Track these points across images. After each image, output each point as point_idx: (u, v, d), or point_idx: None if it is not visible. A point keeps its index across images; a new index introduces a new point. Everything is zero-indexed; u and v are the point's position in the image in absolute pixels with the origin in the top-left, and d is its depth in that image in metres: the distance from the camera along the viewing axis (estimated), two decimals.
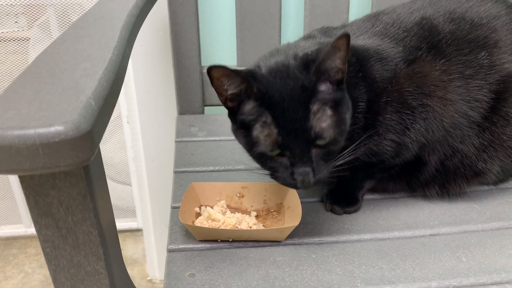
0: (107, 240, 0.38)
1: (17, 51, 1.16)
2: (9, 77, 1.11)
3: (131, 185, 1.23)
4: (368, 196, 0.63)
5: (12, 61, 1.13)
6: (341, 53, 0.46)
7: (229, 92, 0.49)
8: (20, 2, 1.04)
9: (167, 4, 0.80)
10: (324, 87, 0.48)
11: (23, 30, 1.16)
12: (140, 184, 1.13)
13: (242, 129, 0.50)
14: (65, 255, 0.37)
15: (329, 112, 0.47)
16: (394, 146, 0.56)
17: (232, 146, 0.72)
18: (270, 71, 0.49)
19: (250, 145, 0.50)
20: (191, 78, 0.83)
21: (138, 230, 1.30)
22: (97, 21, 0.51)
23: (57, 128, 0.28)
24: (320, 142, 0.47)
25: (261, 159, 0.50)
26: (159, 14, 0.83)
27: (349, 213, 0.60)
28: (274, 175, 0.51)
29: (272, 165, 0.50)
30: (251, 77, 0.48)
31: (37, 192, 0.34)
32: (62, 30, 1.08)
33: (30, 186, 0.33)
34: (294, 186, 0.49)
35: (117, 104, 1.17)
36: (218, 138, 0.78)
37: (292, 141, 0.47)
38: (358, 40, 0.59)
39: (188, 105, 0.85)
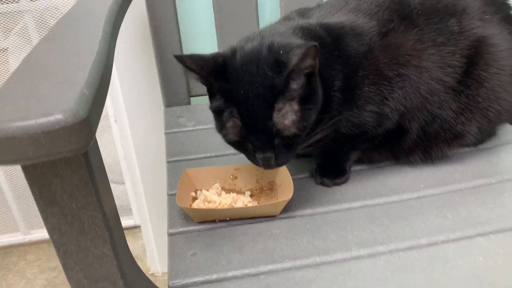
0: (111, 224, 0.40)
1: None
2: None
3: (124, 184, 1.25)
4: (355, 168, 0.66)
5: None
6: (310, 61, 0.49)
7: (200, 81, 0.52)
8: None
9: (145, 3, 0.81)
10: (293, 85, 0.50)
11: None
12: (134, 181, 1.14)
13: (215, 113, 0.53)
14: (72, 240, 0.38)
15: (294, 108, 0.50)
16: (374, 117, 0.59)
17: None
18: (242, 62, 0.51)
19: (219, 129, 0.54)
20: (174, 70, 0.85)
21: (136, 227, 1.32)
22: (79, 19, 0.53)
23: (56, 116, 0.30)
24: (282, 136, 0.50)
25: (230, 143, 0.54)
26: (137, 10, 0.85)
27: (339, 184, 0.62)
28: (245, 155, 0.55)
29: (240, 149, 0.54)
30: (213, 77, 0.51)
31: (40, 182, 0.35)
32: (41, 35, 1.09)
33: (33, 177, 0.35)
34: (260, 166, 0.53)
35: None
36: (207, 127, 0.80)
37: (255, 134, 0.50)
38: (333, 18, 0.61)
39: (174, 97, 0.87)
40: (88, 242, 0.39)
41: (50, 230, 0.38)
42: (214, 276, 0.49)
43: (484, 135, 0.67)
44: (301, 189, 0.62)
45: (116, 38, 0.51)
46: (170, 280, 0.48)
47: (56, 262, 1.27)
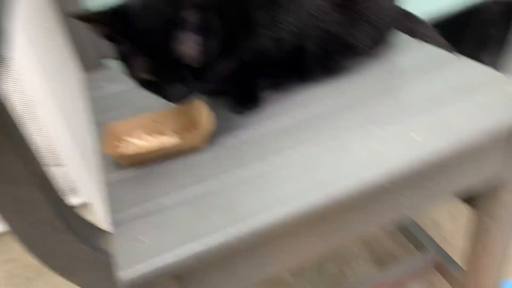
0: (37, 170, 0.43)
1: None
2: None
3: (63, 165, 1.25)
4: (266, 94, 0.72)
5: None
6: None
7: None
8: None
9: None
10: (190, 18, 0.54)
11: None
12: (72, 160, 1.16)
13: (122, 59, 0.57)
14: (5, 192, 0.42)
15: (195, 38, 0.55)
16: (272, 42, 0.64)
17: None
18: (142, 6, 0.55)
19: (130, 74, 0.58)
20: (83, 34, 0.86)
21: (86, 204, 1.34)
22: None
23: None
24: (188, 67, 0.55)
25: (142, 84, 0.59)
26: None
27: (252, 109, 0.68)
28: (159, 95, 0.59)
29: (153, 88, 0.59)
30: (114, 22, 0.54)
31: None
32: None
33: None
34: (170, 101, 0.58)
35: (23, 92, 1.16)
36: (127, 86, 0.82)
37: (163, 69, 0.55)
38: None
39: (88, 63, 0.88)
40: (20, 192, 0.42)
41: None
42: (149, 204, 0.53)
43: (374, 43, 0.75)
44: (220, 122, 0.67)
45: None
46: (112, 215, 0.52)
47: (12, 254, 1.28)
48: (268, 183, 0.54)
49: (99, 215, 1.24)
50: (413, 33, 0.83)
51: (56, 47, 0.96)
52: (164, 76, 0.56)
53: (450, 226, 1.25)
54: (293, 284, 1.17)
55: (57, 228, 0.45)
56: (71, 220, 0.47)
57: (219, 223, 0.49)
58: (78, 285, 0.51)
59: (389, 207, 0.59)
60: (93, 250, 0.49)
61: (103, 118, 0.74)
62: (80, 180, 1.27)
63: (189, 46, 0.54)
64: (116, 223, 0.51)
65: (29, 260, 1.28)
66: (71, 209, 0.48)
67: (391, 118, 0.62)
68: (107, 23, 0.54)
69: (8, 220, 0.43)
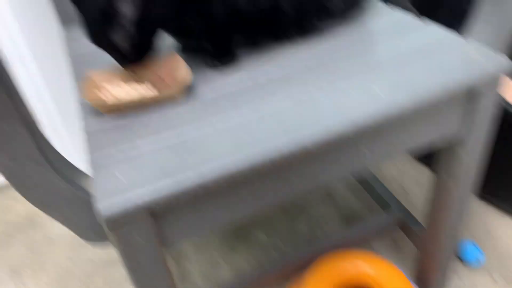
0: (19, 106, 0.45)
1: None
2: None
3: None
4: (243, 51, 0.75)
5: None
6: None
7: None
8: None
9: None
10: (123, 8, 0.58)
11: None
12: (49, 118, 1.17)
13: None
14: None
15: (126, 26, 0.59)
16: (247, 0, 0.67)
17: None
18: None
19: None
20: None
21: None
22: None
23: None
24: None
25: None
26: None
27: (227, 64, 0.71)
28: None
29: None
30: None
31: None
32: None
33: None
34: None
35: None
36: None
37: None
38: None
39: (67, 16, 0.89)
40: (4, 126, 0.45)
41: None
42: (126, 145, 0.57)
43: (348, 7, 0.78)
44: (197, 77, 0.70)
45: None
46: (90, 155, 0.55)
47: None
48: (241, 132, 0.57)
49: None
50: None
51: (35, 2, 0.97)
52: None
53: (416, 191, 1.31)
54: (266, 241, 1.22)
55: (38, 162, 0.48)
56: (52, 157, 0.50)
57: (192, 163, 0.52)
58: (57, 219, 0.54)
59: (352, 158, 0.64)
60: (72, 187, 0.52)
61: (83, 71, 0.76)
62: (55, 140, 1.29)
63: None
64: (94, 162, 0.54)
65: (8, 217, 1.30)
66: (52, 147, 0.51)
67: (358, 75, 0.66)
68: None
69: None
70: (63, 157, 0.54)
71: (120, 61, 0.64)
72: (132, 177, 0.51)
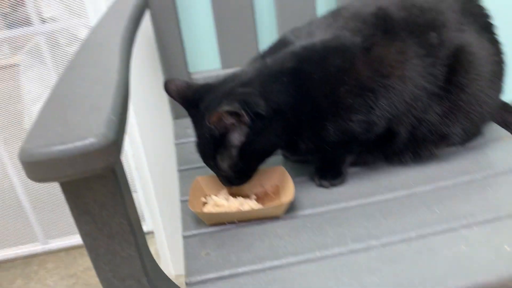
0: (135, 229, 0.46)
1: (3, 78, 1.26)
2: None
3: (137, 192, 1.31)
4: (351, 169, 0.72)
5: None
6: (226, 121, 0.59)
7: None
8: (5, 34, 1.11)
9: (150, 21, 0.88)
10: (230, 137, 0.61)
11: (6, 57, 1.24)
12: (146, 189, 1.21)
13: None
14: (102, 244, 0.44)
15: (232, 154, 0.62)
16: (362, 125, 0.64)
17: None
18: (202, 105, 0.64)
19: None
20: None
21: (149, 233, 1.38)
22: (96, 48, 0.59)
23: (90, 140, 0.36)
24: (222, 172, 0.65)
25: None
26: (144, 32, 0.91)
27: (336, 185, 0.68)
28: None
29: None
30: (185, 106, 0.68)
31: (75, 195, 0.41)
32: (52, 54, 1.16)
33: (69, 191, 0.41)
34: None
35: None
36: None
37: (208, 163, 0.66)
38: (320, 36, 0.66)
39: (182, 110, 0.93)
40: (116, 246, 0.45)
41: (83, 236, 0.44)
42: (226, 273, 0.55)
43: (469, 135, 0.73)
44: (301, 190, 0.68)
45: (130, 63, 0.58)
46: (187, 278, 0.54)
47: (74, 269, 1.33)
48: (348, 272, 0.53)
49: (159, 245, 1.27)
50: (508, 127, 0.80)
51: (150, 92, 1.04)
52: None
53: None
54: None
55: (142, 285, 0.47)
56: (153, 276, 0.49)
57: None
58: None
59: None
60: None
61: (189, 166, 0.78)
62: (146, 208, 1.32)
63: (224, 160, 0.63)
64: (190, 284, 0.53)
65: (91, 280, 1.33)
66: (157, 265, 0.50)
67: (479, 217, 0.59)
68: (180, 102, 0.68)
69: (98, 270, 0.46)
70: (165, 275, 0.53)
71: (223, 182, 0.66)
72: None
